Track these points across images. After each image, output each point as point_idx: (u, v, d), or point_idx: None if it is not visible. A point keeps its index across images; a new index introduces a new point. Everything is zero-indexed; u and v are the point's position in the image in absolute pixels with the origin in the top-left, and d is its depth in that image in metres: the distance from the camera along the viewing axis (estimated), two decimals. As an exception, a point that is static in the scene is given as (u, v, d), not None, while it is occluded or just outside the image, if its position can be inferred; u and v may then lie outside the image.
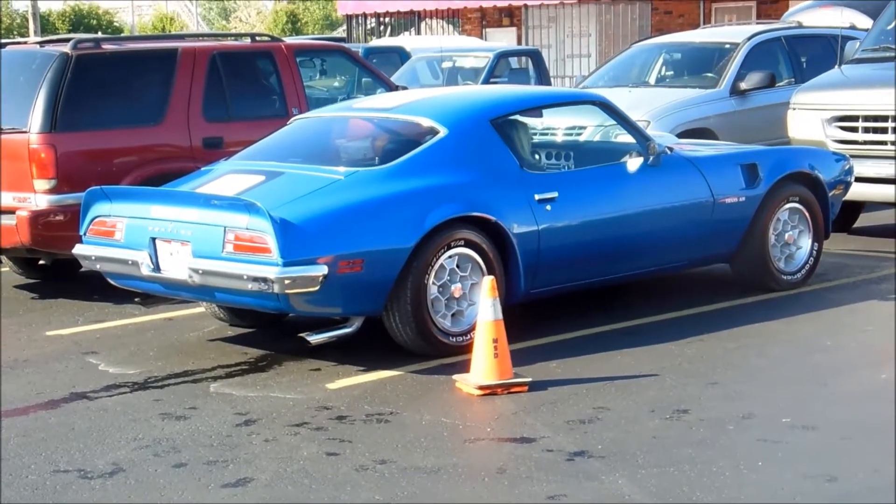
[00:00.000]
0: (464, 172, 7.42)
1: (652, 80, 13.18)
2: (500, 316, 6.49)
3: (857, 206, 11.13)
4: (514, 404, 6.27)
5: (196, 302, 8.09)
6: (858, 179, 9.75)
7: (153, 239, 7.13)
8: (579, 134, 9.36)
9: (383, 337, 7.18)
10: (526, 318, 7.71)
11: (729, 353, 7.21)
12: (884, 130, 10.24)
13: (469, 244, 7.18)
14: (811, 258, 8.82)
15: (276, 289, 6.56)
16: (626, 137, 8.35)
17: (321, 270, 6.64)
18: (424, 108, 7.92)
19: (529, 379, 6.55)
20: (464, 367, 6.70)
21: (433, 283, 7.06)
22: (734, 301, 8.46)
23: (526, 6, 28.09)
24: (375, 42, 25.48)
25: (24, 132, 8.83)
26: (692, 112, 12.01)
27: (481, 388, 6.43)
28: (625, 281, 8.42)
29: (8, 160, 8.93)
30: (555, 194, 7.59)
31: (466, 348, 6.88)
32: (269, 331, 7.93)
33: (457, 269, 7.17)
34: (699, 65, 13.04)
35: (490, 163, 7.56)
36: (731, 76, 12.43)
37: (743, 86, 12.36)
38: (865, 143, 10.35)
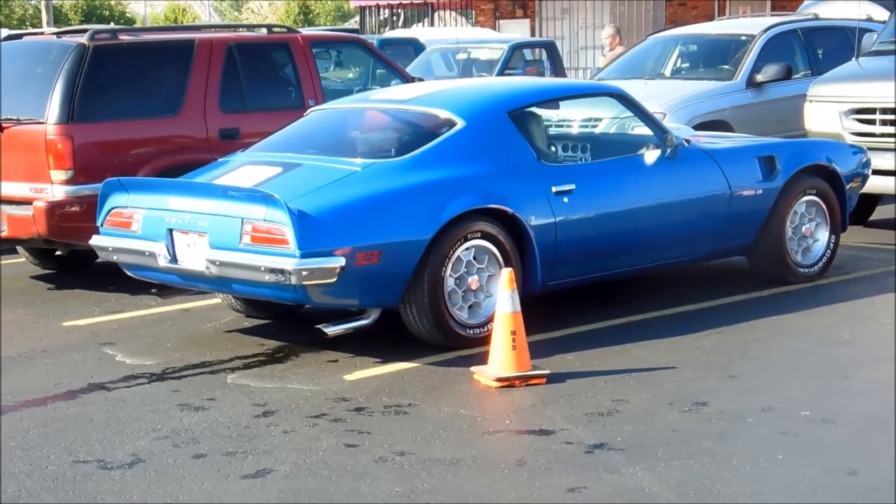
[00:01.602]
0: (481, 164, 7.41)
1: (668, 72, 13.15)
2: (519, 308, 6.48)
3: (874, 199, 11.10)
4: (533, 396, 6.27)
5: (213, 293, 8.09)
6: (876, 172, 9.71)
7: (170, 230, 7.13)
8: (596, 126, 9.34)
9: (400, 329, 7.18)
10: (543, 311, 7.70)
11: (747, 345, 7.19)
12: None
13: (486, 236, 7.17)
14: (828, 251, 8.80)
15: (294, 280, 6.56)
16: (643, 129, 8.34)
17: (338, 262, 6.64)
18: (442, 100, 7.91)
19: (547, 371, 6.54)
20: (481, 360, 6.69)
21: (450, 276, 7.05)
22: (751, 294, 8.44)
23: (539, -3, 28.04)
24: (390, 33, 25.43)
25: (42, 123, 8.84)
26: (708, 104, 11.96)
27: (499, 380, 6.43)
28: (642, 273, 8.42)
29: (24, 151, 8.93)
30: (572, 186, 7.57)
31: (484, 340, 6.88)
32: (286, 322, 7.93)
33: (474, 261, 7.17)
34: (715, 57, 13.01)
35: (507, 155, 7.55)
36: (747, 68, 12.38)
37: (759, 78, 12.31)
38: (883, 135, 10.31)
